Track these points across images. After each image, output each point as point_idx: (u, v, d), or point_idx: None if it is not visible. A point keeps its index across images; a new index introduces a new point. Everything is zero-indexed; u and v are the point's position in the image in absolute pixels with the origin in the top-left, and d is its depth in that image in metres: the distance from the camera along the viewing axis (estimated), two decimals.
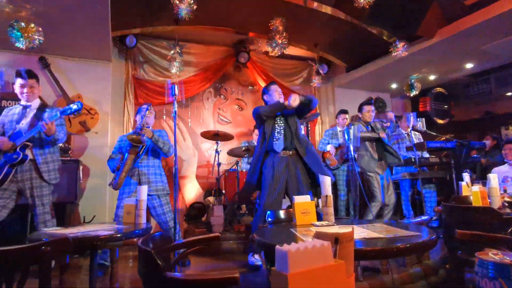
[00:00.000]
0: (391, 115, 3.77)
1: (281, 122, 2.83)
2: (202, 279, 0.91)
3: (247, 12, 4.13)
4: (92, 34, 3.57)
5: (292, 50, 5.02)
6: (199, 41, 4.92)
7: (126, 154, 2.71)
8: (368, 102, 3.79)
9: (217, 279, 0.90)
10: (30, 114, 2.61)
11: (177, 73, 4.51)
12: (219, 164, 4.12)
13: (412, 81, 5.08)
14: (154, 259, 0.94)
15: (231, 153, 4.20)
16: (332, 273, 0.59)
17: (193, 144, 4.97)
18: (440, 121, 6.00)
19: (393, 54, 4.03)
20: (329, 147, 4.31)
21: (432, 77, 5.55)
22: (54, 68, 4.05)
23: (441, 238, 2.30)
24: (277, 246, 0.55)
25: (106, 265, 2.72)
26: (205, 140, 4.80)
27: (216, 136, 4.07)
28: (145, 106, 2.97)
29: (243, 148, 3.97)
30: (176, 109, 2.64)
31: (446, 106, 6.11)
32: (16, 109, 2.64)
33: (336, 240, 0.64)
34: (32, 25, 3.00)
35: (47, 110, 2.66)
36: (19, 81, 2.59)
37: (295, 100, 2.69)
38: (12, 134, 2.51)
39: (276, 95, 2.93)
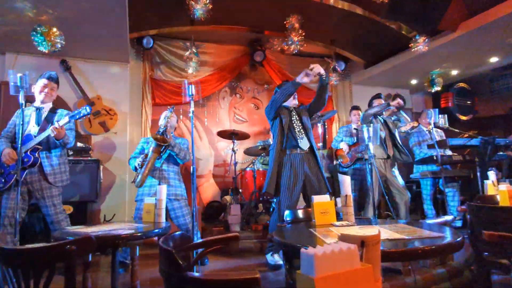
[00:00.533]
0: (400, 102, 3.60)
1: (297, 119, 2.81)
2: (223, 279, 0.91)
3: (262, 10, 4.11)
4: (111, 36, 3.65)
5: (308, 48, 4.95)
6: (215, 41, 4.94)
7: (150, 153, 2.77)
8: (377, 96, 3.65)
9: (238, 280, 0.89)
10: (41, 116, 2.64)
11: (193, 73, 4.55)
12: (235, 163, 4.12)
13: (433, 76, 4.92)
14: (175, 258, 0.94)
15: (247, 152, 4.20)
16: (360, 277, 0.57)
17: (210, 143, 5.00)
18: (463, 118, 5.79)
19: (413, 49, 3.92)
20: (342, 145, 4.23)
21: (454, 72, 5.36)
22: (75, 70, 4.16)
23: (465, 239, 2.21)
24: (302, 249, 0.54)
25: (126, 262, 2.78)
26: (222, 139, 4.82)
27: (232, 135, 4.08)
28: (167, 109, 3.03)
29: (260, 147, 3.97)
30: (193, 109, 2.66)
31: (469, 102, 5.89)
32: (29, 110, 2.67)
33: (362, 243, 0.62)
34: (55, 29, 3.09)
35: (57, 112, 2.69)
36: (43, 81, 2.64)
37: (315, 68, 2.69)
38: (23, 136, 2.51)
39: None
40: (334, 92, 5.67)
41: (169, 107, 3.06)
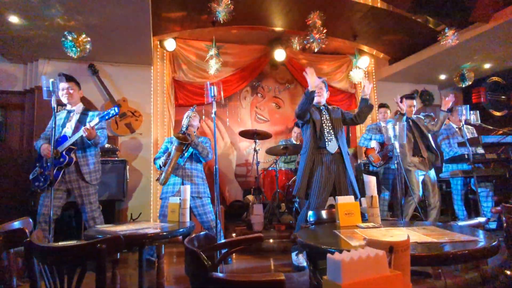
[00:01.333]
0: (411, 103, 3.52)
1: (327, 120, 2.77)
2: (248, 281, 0.91)
3: (283, 9, 4.08)
4: (135, 40, 3.75)
5: (330, 45, 4.87)
6: (236, 41, 4.96)
7: (173, 151, 2.85)
8: (410, 96, 3.56)
9: (263, 282, 0.89)
10: (74, 118, 2.78)
11: (215, 74, 4.60)
12: (257, 163, 4.13)
13: (464, 70, 4.69)
14: (200, 259, 0.95)
15: (269, 151, 4.19)
16: (388, 285, 0.55)
17: (232, 143, 5.04)
18: (497, 113, 5.48)
19: (441, 43, 3.75)
20: (373, 144, 4.12)
21: (487, 66, 5.08)
22: (102, 74, 4.32)
23: (501, 242, 2.10)
24: (329, 255, 0.53)
25: (152, 260, 2.86)
26: (243, 139, 4.84)
27: (254, 135, 4.08)
28: (189, 109, 3.10)
29: (282, 147, 3.95)
30: (215, 109, 2.69)
31: (503, 97, 5.56)
32: (63, 113, 2.82)
33: (391, 249, 0.60)
34: (84, 35, 3.22)
35: (89, 114, 2.81)
36: (61, 85, 2.77)
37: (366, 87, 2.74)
38: (59, 138, 2.69)
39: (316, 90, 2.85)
40: (358, 89, 5.54)
41: (191, 107, 3.13)
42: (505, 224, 1.82)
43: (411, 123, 3.56)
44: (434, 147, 3.53)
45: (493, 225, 3.60)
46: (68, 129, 2.73)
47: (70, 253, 1.06)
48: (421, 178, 3.46)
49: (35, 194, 2.89)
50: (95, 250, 1.03)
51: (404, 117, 3.56)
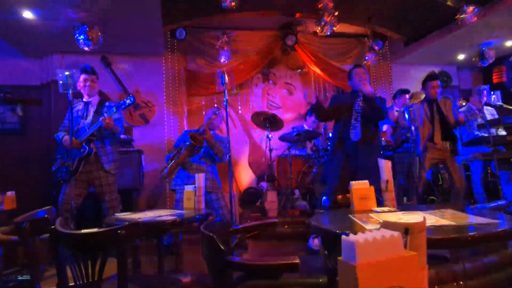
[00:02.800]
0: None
1: (359, 105, 2.71)
2: (264, 264, 0.93)
3: None
4: (146, 31, 3.76)
5: (342, 28, 4.75)
6: (246, 28, 4.90)
7: (183, 149, 2.88)
8: (433, 77, 3.34)
9: (278, 265, 0.91)
10: (91, 110, 2.83)
11: (226, 61, 4.57)
12: (271, 150, 4.13)
13: (484, 49, 4.49)
14: (217, 244, 0.98)
15: (282, 138, 4.18)
16: (404, 265, 0.55)
17: (244, 131, 5.04)
18: None
19: (460, 20, 3.59)
20: (385, 127, 4.04)
21: (508, 43, 4.85)
22: (114, 66, 4.38)
23: None
24: (343, 236, 0.53)
25: (170, 246, 2.94)
26: (256, 127, 4.84)
27: (266, 121, 4.07)
28: (212, 110, 3.13)
29: (295, 134, 3.93)
30: (227, 97, 2.69)
31: None
32: (80, 105, 2.87)
33: (406, 230, 0.59)
34: (95, 28, 3.25)
35: (105, 105, 2.86)
36: (83, 76, 2.81)
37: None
38: (78, 129, 2.75)
39: (356, 79, 2.79)
40: (372, 73, 5.41)
41: (215, 106, 3.14)
42: None
43: (434, 106, 3.38)
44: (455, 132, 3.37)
45: None
46: (86, 121, 2.79)
47: (92, 239, 1.11)
48: (449, 164, 3.30)
49: (57, 185, 2.99)
50: (115, 236, 1.07)
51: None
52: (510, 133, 3.58)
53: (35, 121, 4.34)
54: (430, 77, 3.32)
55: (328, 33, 3.93)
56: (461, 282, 2.09)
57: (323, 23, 3.67)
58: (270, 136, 4.13)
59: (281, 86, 5.25)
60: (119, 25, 3.58)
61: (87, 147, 2.69)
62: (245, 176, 4.94)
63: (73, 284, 1.13)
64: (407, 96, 4.09)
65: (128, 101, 2.61)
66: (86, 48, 3.36)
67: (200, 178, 2.07)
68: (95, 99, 2.89)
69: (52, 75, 4.22)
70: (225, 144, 3.09)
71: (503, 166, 3.67)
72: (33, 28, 3.49)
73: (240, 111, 5.05)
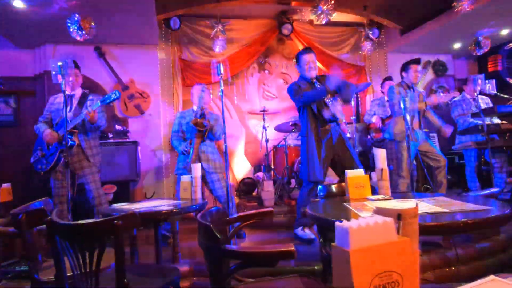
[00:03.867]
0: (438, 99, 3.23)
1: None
2: (260, 252, 0.94)
3: None
4: (139, 20, 3.70)
5: (338, 17, 4.71)
6: (241, 16, 4.84)
7: (193, 139, 2.90)
8: (414, 60, 3.29)
9: (274, 252, 0.92)
10: (74, 102, 2.82)
11: (221, 51, 4.53)
12: (267, 140, 4.14)
13: (480, 38, 4.48)
14: (213, 232, 0.99)
15: (278, 128, 4.19)
16: (396, 250, 0.56)
17: (240, 121, 5.03)
18: None
19: (456, 9, 3.57)
20: (374, 119, 4.07)
21: (504, 32, 4.84)
22: (108, 56, 4.31)
23: None
24: (337, 222, 0.54)
25: (168, 236, 2.96)
26: (252, 117, 4.83)
27: (262, 112, 4.07)
28: (198, 86, 3.08)
29: (290, 123, 3.93)
30: (222, 87, 2.67)
31: None
32: (61, 97, 2.83)
33: (398, 216, 0.61)
34: (88, 17, 3.19)
35: (88, 98, 2.84)
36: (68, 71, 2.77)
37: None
38: (59, 122, 2.75)
39: (306, 68, 2.68)
40: (368, 62, 5.39)
41: (198, 85, 3.11)
42: None
43: (413, 90, 3.33)
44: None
45: (507, 196, 3.57)
46: (69, 113, 2.75)
47: (89, 229, 1.11)
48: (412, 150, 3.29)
49: (41, 176, 2.98)
50: (112, 227, 1.08)
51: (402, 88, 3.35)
52: (504, 122, 3.62)
53: (29, 113, 4.29)
54: (412, 61, 3.24)
55: (324, 22, 3.90)
56: (454, 268, 2.14)
57: (319, 11, 3.63)
58: (266, 126, 4.13)
59: (277, 76, 5.23)
60: (112, 15, 3.52)
61: (69, 140, 2.65)
62: (241, 166, 4.96)
63: (71, 274, 1.14)
64: (392, 82, 4.09)
65: (113, 96, 2.59)
66: (79, 38, 3.30)
67: (196, 168, 2.07)
68: (78, 92, 2.87)
69: (45, 65, 4.15)
70: (219, 122, 3.10)
71: (496, 155, 3.72)
72: (24, 18, 3.42)
73: (236, 101, 5.03)
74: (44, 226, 1.27)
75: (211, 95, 3.20)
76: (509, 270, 2.22)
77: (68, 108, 2.77)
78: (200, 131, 2.92)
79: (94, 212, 2.83)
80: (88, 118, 2.60)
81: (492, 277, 0.73)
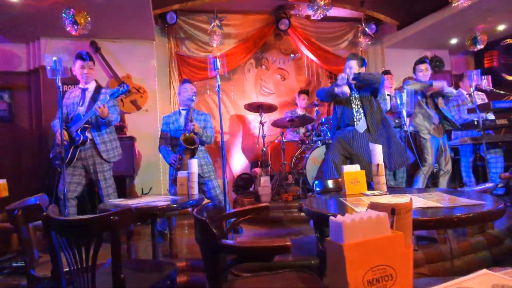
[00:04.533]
0: (443, 85, 3.34)
1: (355, 98, 2.75)
2: (256, 246, 0.95)
3: None
4: (135, 14, 3.66)
5: (335, 12, 4.69)
6: (238, 11, 4.81)
7: (183, 155, 2.87)
8: (421, 60, 3.44)
9: (270, 247, 0.93)
10: (88, 96, 2.79)
11: (218, 46, 4.50)
12: (264, 136, 4.14)
13: (476, 34, 4.49)
14: (209, 228, 0.99)
15: (275, 124, 4.18)
16: (390, 244, 0.57)
17: (237, 116, 5.03)
18: (510, 78, 5.30)
19: (453, 4, 3.57)
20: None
21: (501, 27, 4.85)
22: (104, 51, 4.27)
23: (508, 207, 2.11)
24: (331, 217, 0.54)
25: (165, 232, 2.97)
26: (249, 112, 4.82)
27: (259, 107, 4.06)
28: (187, 85, 3.04)
29: (287, 119, 3.93)
30: (219, 83, 2.66)
31: None
32: (76, 91, 2.83)
33: (392, 211, 0.61)
34: (83, 11, 3.16)
35: (102, 92, 2.81)
36: (79, 63, 2.75)
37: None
38: (73, 117, 2.73)
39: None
40: (365, 57, 5.38)
41: (188, 83, 3.08)
42: None
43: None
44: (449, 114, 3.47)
45: (501, 191, 3.61)
46: (82, 108, 2.76)
47: (85, 225, 1.11)
48: (434, 144, 3.42)
49: (50, 173, 2.98)
50: (108, 222, 1.08)
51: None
52: (499, 118, 3.64)
53: (23, 108, 4.26)
54: (419, 61, 3.44)
55: (321, 17, 3.88)
56: (448, 262, 2.16)
57: (316, 6, 3.61)
58: (263, 121, 4.13)
59: (274, 72, 5.21)
60: (108, 9, 3.48)
61: (81, 135, 2.67)
62: (238, 162, 4.96)
63: (67, 269, 1.14)
64: (390, 76, 4.12)
65: (121, 89, 2.57)
66: (74, 32, 3.27)
67: (192, 163, 2.07)
68: (91, 86, 2.82)
69: (39, 60, 4.11)
70: (211, 128, 3.08)
71: (491, 150, 3.75)
72: (17, 11, 3.37)
73: (233, 97, 5.02)
74: (40, 221, 1.27)
75: (195, 92, 3.07)
76: (503, 264, 2.25)
77: (81, 103, 2.76)
78: (189, 148, 2.81)
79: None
80: (98, 113, 2.56)
81: (484, 270, 0.74)
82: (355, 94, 2.75)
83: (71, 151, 2.68)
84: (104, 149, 2.78)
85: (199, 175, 2.93)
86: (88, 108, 2.72)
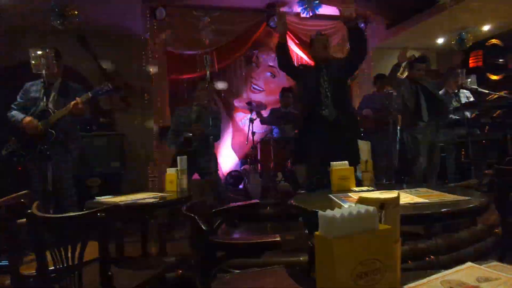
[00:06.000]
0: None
1: (324, 80, 2.45)
2: (246, 242, 0.95)
3: None
4: (123, 8, 3.61)
5: (325, 10, 4.72)
6: (229, 8, 4.78)
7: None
8: (424, 59, 3.47)
9: (259, 243, 0.93)
10: (53, 91, 2.60)
11: (208, 43, 4.47)
12: (253, 133, 4.13)
13: (463, 34, 4.59)
14: (198, 224, 0.99)
15: (265, 121, 4.19)
16: (378, 238, 0.57)
17: (227, 114, 5.01)
18: (494, 77, 5.42)
19: (440, 2, 3.64)
20: (365, 111, 4.12)
21: (486, 28, 4.96)
22: (92, 45, 4.19)
23: (491, 203, 2.16)
24: (320, 212, 0.55)
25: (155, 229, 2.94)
26: (239, 110, 4.82)
27: (249, 105, 4.06)
28: (203, 91, 3.02)
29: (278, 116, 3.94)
30: (208, 79, 2.65)
31: (501, 60, 5.47)
32: (39, 85, 2.58)
33: (381, 205, 0.62)
34: (71, 5, 3.08)
35: (71, 87, 2.67)
36: (44, 55, 2.45)
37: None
38: (38, 112, 2.52)
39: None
40: None
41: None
42: (495, 185, 1.87)
43: (419, 87, 3.50)
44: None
45: (485, 188, 3.70)
46: (50, 103, 2.55)
47: (71, 222, 1.09)
48: (423, 144, 3.46)
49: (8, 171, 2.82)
50: (95, 219, 1.06)
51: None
52: (484, 116, 3.74)
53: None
54: (420, 60, 3.48)
55: (312, 14, 3.90)
56: (433, 257, 2.21)
57: (306, 4, 3.62)
58: (253, 119, 4.13)
59: (265, 69, 5.21)
60: (96, 2, 3.41)
61: (54, 133, 2.51)
62: (228, 159, 4.95)
63: (53, 268, 1.12)
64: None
65: (105, 88, 2.45)
66: (61, 27, 3.19)
67: (182, 160, 2.06)
68: (57, 81, 2.66)
69: (27, 54, 3.99)
70: (218, 126, 3.07)
71: (476, 147, 3.84)
72: (1, 4, 3.28)
73: (223, 94, 4.99)
74: (24, 219, 1.24)
75: (208, 90, 3.05)
76: (486, 258, 2.32)
77: (45, 98, 2.53)
78: (184, 151, 2.81)
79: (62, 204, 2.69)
80: (75, 110, 2.44)
81: (469, 263, 0.76)
82: (324, 71, 2.58)
83: (37, 147, 2.49)
84: (73, 147, 2.67)
85: (199, 169, 2.94)
86: (56, 104, 2.56)
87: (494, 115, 3.77)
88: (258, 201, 1.50)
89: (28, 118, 2.51)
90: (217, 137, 3.03)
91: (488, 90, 3.99)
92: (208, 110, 3.06)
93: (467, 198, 1.22)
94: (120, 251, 2.15)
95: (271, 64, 5.22)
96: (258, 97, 5.01)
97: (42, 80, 2.44)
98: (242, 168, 4.67)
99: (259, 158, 4.30)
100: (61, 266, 1.09)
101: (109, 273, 1.07)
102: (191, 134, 2.87)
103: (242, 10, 4.85)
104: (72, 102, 2.45)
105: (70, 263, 1.07)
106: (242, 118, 5.04)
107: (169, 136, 3.11)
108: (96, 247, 1.07)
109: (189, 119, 3.01)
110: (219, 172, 2.66)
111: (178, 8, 4.60)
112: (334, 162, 1.66)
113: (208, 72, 2.63)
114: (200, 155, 2.98)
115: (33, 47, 2.29)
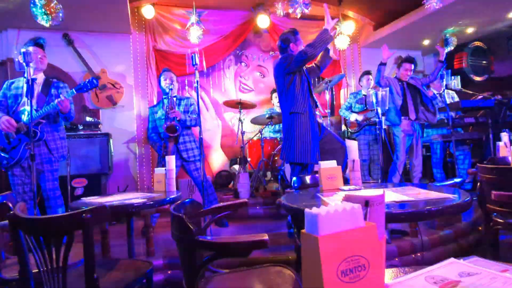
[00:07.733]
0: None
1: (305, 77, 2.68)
2: (233, 242, 0.94)
3: None
4: (110, 6, 3.54)
5: (314, 10, 4.75)
6: (217, 7, 4.76)
7: (167, 143, 2.93)
8: (411, 60, 3.58)
9: (247, 242, 0.93)
10: (36, 88, 2.51)
11: (197, 42, 4.44)
12: (243, 133, 4.13)
13: (447, 35, 4.69)
14: (186, 224, 0.98)
15: (254, 121, 4.19)
16: (363, 235, 0.58)
17: (216, 113, 4.99)
18: (478, 78, 5.57)
19: (426, 6, 3.71)
20: (353, 117, 4.18)
21: (469, 30, 5.08)
22: (78, 44, 4.11)
23: (474, 201, 2.22)
24: (306, 209, 0.55)
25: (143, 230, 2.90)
26: (228, 109, 4.80)
27: (239, 105, 4.05)
28: (168, 73, 3.02)
29: (267, 116, 3.94)
30: (198, 79, 2.63)
31: (484, 62, 5.63)
32: (20, 82, 2.52)
33: (366, 202, 0.63)
34: (54, 1, 3.01)
35: (54, 84, 2.57)
36: (32, 49, 2.41)
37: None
38: (20, 110, 2.44)
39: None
40: (342, 56, 5.49)
41: (168, 72, 3.06)
42: (478, 184, 1.91)
43: (405, 85, 3.59)
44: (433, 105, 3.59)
45: (468, 186, 3.80)
46: (33, 100, 2.43)
47: (55, 223, 1.06)
48: (408, 142, 3.53)
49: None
50: (80, 220, 1.04)
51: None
52: (467, 116, 3.83)
53: None
54: (407, 60, 3.59)
55: (300, 15, 3.91)
56: (419, 254, 2.26)
57: (295, 4, 3.64)
58: (242, 118, 4.12)
59: (254, 69, 5.21)
60: (82, 1, 3.34)
61: (38, 132, 2.42)
62: (217, 159, 4.93)
63: (36, 270, 1.09)
64: (370, 77, 4.25)
65: (91, 84, 2.37)
66: (44, 23, 3.11)
67: (170, 160, 2.04)
68: (40, 77, 2.55)
69: (7, 52, 3.89)
70: (194, 110, 3.08)
71: (460, 147, 3.94)
72: None
73: (212, 94, 4.97)
74: (6, 221, 1.21)
75: (176, 82, 3.12)
76: (469, 254, 2.38)
77: (29, 95, 2.51)
78: (172, 136, 2.92)
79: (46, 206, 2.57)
80: (60, 107, 2.36)
81: (451, 259, 0.78)
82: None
83: (21, 149, 2.41)
84: (55, 147, 2.54)
85: (184, 159, 2.98)
86: (39, 101, 2.46)
87: (478, 115, 3.87)
88: (246, 200, 1.50)
89: (4, 117, 2.41)
90: (195, 120, 3.01)
91: (472, 91, 4.10)
92: (178, 98, 3.10)
93: (451, 196, 1.25)
94: (107, 252, 2.12)
95: (260, 64, 5.23)
96: (247, 96, 5.01)
97: (24, 76, 2.35)
98: (231, 167, 4.65)
99: (248, 157, 4.29)
100: (45, 268, 1.06)
101: (95, 276, 1.05)
102: (173, 121, 2.87)
103: (231, 9, 4.84)
104: (57, 100, 2.39)
105: (54, 265, 1.05)
106: (232, 117, 5.02)
107: (150, 134, 3.13)
108: (81, 249, 1.04)
109: (162, 111, 3.04)
110: (205, 172, 2.64)
111: (167, 6, 4.56)
112: (323, 161, 1.68)
113: (196, 71, 2.61)
114: (182, 142, 3.02)
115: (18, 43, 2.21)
